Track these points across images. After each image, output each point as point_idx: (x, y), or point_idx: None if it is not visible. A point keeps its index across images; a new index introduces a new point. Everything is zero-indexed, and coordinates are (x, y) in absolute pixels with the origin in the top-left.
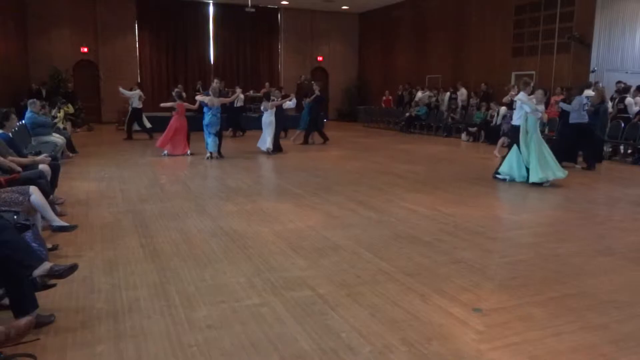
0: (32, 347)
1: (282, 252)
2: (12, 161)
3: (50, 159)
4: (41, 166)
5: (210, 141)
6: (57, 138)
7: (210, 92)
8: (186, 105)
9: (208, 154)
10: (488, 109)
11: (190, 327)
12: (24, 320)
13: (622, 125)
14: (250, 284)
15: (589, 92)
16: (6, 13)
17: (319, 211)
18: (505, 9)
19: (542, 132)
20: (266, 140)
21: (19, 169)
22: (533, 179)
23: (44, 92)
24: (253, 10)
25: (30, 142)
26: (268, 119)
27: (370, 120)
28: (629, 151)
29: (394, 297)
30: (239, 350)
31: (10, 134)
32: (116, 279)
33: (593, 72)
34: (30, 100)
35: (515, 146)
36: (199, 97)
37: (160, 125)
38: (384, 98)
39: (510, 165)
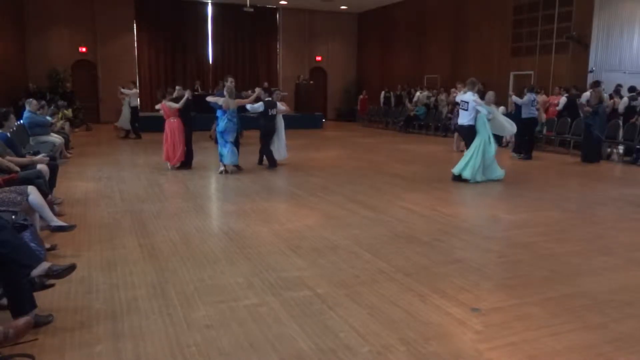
0: (31, 348)
1: (281, 252)
2: (10, 161)
3: (48, 158)
4: (39, 166)
5: (227, 152)
6: (55, 138)
7: (225, 93)
8: (167, 104)
9: (221, 168)
10: None
11: (189, 327)
12: (23, 320)
13: (621, 125)
14: (249, 283)
15: (587, 94)
16: (4, 12)
17: (317, 211)
18: (504, 9)
19: (539, 132)
20: (283, 148)
21: (17, 168)
22: (459, 171)
23: (47, 95)
24: (252, 10)
25: (28, 142)
26: (281, 123)
27: (368, 120)
28: (620, 151)
29: (393, 296)
30: (237, 350)
31: (8, 134)
32: (114, 279)
33: (591, 72)
34: (28, 100)
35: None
36: (211, 99)
37: (157, 126)
38: (361, 97)
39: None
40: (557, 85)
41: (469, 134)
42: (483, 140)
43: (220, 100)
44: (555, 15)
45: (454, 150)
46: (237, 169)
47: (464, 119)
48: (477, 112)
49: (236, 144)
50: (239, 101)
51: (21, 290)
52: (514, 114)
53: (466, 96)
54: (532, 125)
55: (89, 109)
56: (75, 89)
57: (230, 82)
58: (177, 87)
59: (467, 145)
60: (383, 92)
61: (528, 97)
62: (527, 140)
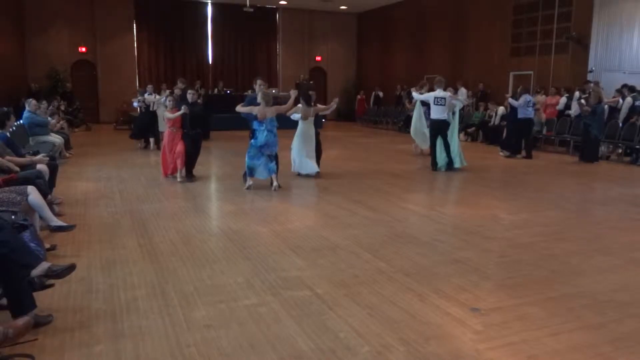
0: (30, 348)
1: (281, 252)
2: (10, 161)
3: (48, 158)
4: (39, 166)
5: (260, 165)
6: (55, 138)
7: (259, 100)
8: (164, 113)
9: (250, 182)
10: (486, 109)
11: (189, 327)
12: (22, 321)
13: (620, 125)
14: (249, 284)
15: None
16: (4, 12)
17: (317, 211)
18: (504, 9)
19: (539, 132)
20: (310, 159)
21: (17, 168)
22: (459, 164)
23: (35, 89)
24: (251, 10)
25: (28, 142)
26: (309, 130)
27: (368, 120)
28: (620, 151)
29: (392, 296)
30: (237, 350)
31: (7, 134)
32: (114, 279)
33: (591, 72)
34: (28, 100)
35: (441, 138)
36: (242, 109)
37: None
38: (359, 97)
39: (443, 156)
40: (554, 86)
41: (444, 127)
42: (455, 131)
43: (254, 110)
44: (555, 15)
45: (417, 154)
46: (279, 186)
47: (440, 114)
48: (453, 106)
49: (275, 157)
50: (278, 108)
51: (21, 290)
52: (509, 115)
53: (442, 93)
54: (527, 126)
55: (89, 109)
56: (75, 89)
57: (259, 85)
58: (189, 92)
59: (444, 138)
60: (373, 93)
61: (524, 98)
62: (520, 140)
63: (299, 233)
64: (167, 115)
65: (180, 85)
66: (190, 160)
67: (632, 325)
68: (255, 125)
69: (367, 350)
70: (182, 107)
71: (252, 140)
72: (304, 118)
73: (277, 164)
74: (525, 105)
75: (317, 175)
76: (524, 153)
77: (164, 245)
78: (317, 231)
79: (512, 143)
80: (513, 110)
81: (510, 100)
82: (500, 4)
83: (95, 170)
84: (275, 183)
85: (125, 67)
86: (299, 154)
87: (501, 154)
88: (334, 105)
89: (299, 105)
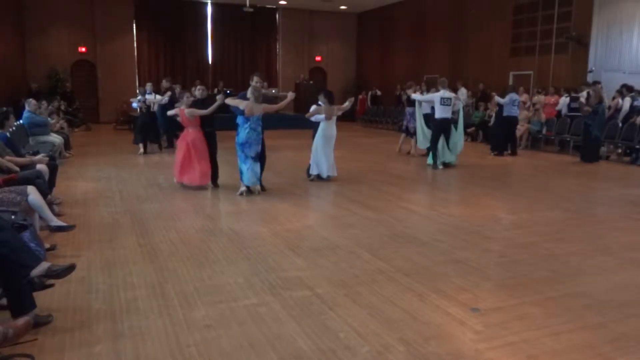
0: (30, 348)
1: (281, 252)
2: (9, 161)
3: (48, 158)
4: (39, 166)
5: (247, 169)
6: (55, 138)
7: (249, 95)
8: (186, 110)
9: (242, 188)
10: (486, 109)
11: (189, 327)
12: (22, 321)
13: (620, 125)
14: (249, 283)
15: (584, 94)
16: (4, 12)
17: (317, 211)
18: (504, 9)
19: (539, 131)
20: (326, 161)
21: (17, 168)
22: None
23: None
24: (251, 10)
25: (28, 142)
26: (332, 130)
27: (368, 120)
28: (620, 151)
29: (392, 296)
30: (237, 350)
31: (7, 134)
32: (114, 279)
33: (591, 72)
34: (27, 100)
35: (444, 137)
36: (231, 102)
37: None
38: (360, 97)
39: (445, 154)
40: (554, 86)
41: (449, 126)
42: (460, 128)
43: (242, 104)
44: (555, 15)
45: (412, 155)
46: (262, 189)
47: (446, 113)
48: (455, 105)
49: (261, 158)
50: (266, 107)
51: (21, 290)
52: (497, 113)
53: (448, 94)
54: (512, 124)
55: (89, 109)
56: (75, 89)
57: (255, 82)
58: (199, 87)
59: (447, 138)
60: (370, 93)
61: (509, 97)
62: (507, 139)
63: (299, 233)
64: (195, 112)
65: (165, 84)
66: (214, 166)
67: (632, 325)
68: (239, 120)
69: (367, 350)
70: (218, 98)
71: (236, 138)
72: (328, 118)
73: (263, 165)
74: (511, 103)
75: (330, 179)
76: (510, 151)
77: (164, 245)
78: (317, 231)
79: (498, 142)
80: (501, 109)
81: (497, 98)
82: (500, 4)
83: (95, 170)
84: (256, 188)
85: (125, 67)
86: (323, 155)
87: (491, 154)
88: (348, 105)
89: (314, 106)
